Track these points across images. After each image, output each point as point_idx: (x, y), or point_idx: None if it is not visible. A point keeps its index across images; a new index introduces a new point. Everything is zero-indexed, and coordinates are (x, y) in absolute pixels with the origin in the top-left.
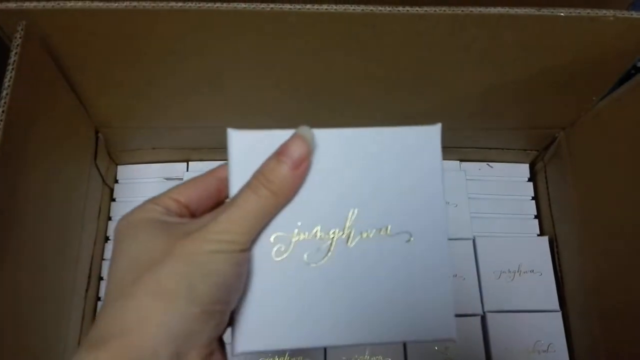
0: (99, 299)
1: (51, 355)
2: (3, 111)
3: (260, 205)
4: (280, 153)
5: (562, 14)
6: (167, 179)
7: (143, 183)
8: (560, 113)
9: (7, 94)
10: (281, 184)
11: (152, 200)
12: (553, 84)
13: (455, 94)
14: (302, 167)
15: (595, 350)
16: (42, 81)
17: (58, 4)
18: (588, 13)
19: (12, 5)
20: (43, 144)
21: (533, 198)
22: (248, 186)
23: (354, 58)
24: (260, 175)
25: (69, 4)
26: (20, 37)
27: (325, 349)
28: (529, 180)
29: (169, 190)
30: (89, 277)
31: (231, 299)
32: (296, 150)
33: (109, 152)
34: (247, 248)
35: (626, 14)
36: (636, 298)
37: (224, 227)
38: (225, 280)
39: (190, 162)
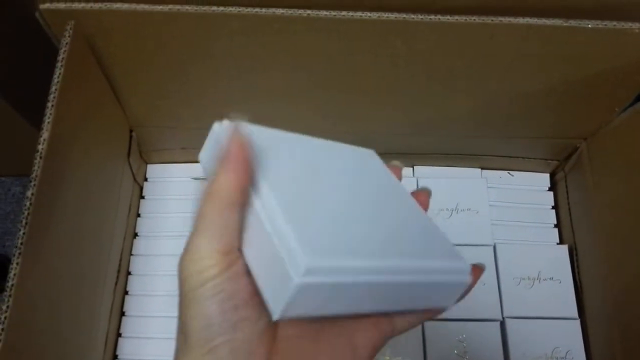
0: (126, 292)
1: (82, 345)
2: (52, 105)
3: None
4: None
5: (589, 26)
6: (195, 178)
7: (171, 182)
8: (583, 123)
9: (55, 89)
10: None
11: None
12: (576, 95)
13: (480, 102)
14: None
15: (613, 357)
16: (86, 79)
17: (105, 5)
18: (614, 25)
19: (61, 5)
20: (84, 140)
21: (553, 207)
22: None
23: (384, 64)
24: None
25: (115, 5)
26: (69, 36)
27: None
28: (549, 189)
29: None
30: (118, 271)
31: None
32: None
33: (140, 151)
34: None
35: None
36: None
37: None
38: None
39: None
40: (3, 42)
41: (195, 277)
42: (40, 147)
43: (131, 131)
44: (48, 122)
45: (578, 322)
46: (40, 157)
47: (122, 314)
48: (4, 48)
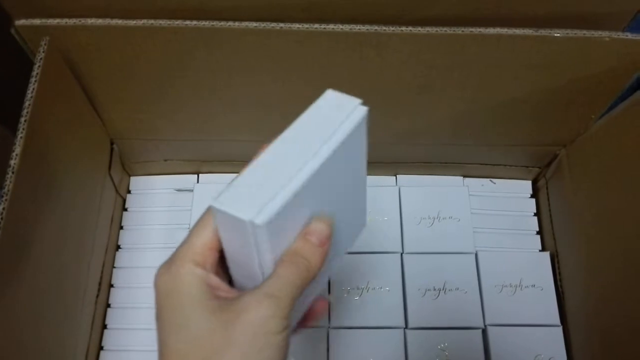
0: (108, 305)
1: (63, 358)
2: (25, 120)
3: (300, 280)
4: (306, 232)
5: (557, 35)
6: (178, 190)
7: (154, 194)
8: (561, 131)
9: (29, 105)
10: (314, 259)
11: (191, 257)
12: (552, 103)
13: (457, 112)
14: (327, 245)
15: None
16: (62, 93)
17: (79, 20)
18: (584, 34)
19: (37, 21)
20: (62, 153)
21: (535, 214)
22: (285, 264)
23: (358, 75)
24: (293, 254)
25: (89, 21)
26: (43, 52)
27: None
28: (532, 196)
29: (197, 237)
30: (100, 284)
31: None
32: (321, 230)
33: (123, 163)
34: (290, 323)
35: (621, 35)
36: (635, 314)
37: (273, 307)
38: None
39: (200, 174)
40: None
41: (181, 276)
42: (12, 162)
43: (112, 144)
44: (21, 137)
45: (560, 329)
46: (13, 172)
47: (104, 326)
48: None
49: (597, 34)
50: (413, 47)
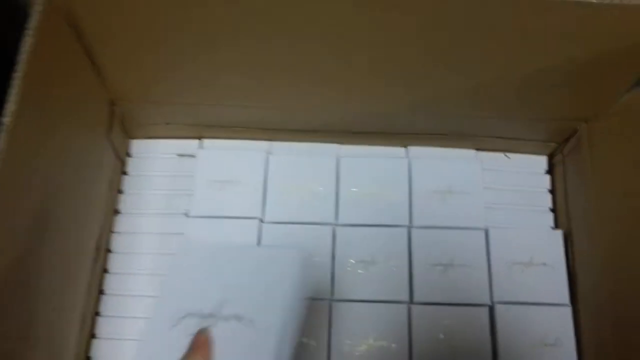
0: (105, 271)
1: (58, 324)
2: (20, 76)
3: None
4: None
5: (593, 1)
6: (180, 155)
7: (156, 158)
8: (584, 105)
9: (24, 60)
10: None
11: None
12: (577, 74)
13: (476, 79)
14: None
15: (603, 346)
16: (61, 51)
17: None
18: (621, 1)
19: None
20: (59, 113)
21: (550, 191)
22: None
23: (381, 37)
24: None
25: None
26: (41, 4)
27: (329, 335)
28: (547, 172)
29: None
30: (97, 249)
31: None
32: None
33: (124, 126)
34: None
35: None
36: None
37: None
38: None
39: (203, 139)
40: None
41: None
42: (6, 119)
43: (113, 105)
44: (16, 94)
45: (569, 308)
46: (6, 131)
47: (101, 292)
48: None
49: (633, 1)
50: (432, 8)
